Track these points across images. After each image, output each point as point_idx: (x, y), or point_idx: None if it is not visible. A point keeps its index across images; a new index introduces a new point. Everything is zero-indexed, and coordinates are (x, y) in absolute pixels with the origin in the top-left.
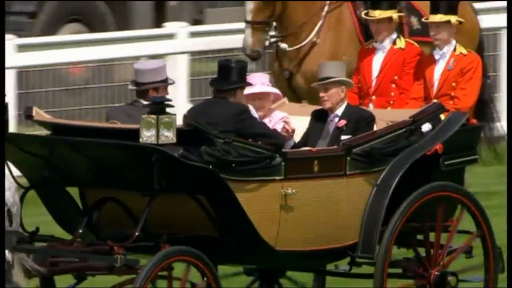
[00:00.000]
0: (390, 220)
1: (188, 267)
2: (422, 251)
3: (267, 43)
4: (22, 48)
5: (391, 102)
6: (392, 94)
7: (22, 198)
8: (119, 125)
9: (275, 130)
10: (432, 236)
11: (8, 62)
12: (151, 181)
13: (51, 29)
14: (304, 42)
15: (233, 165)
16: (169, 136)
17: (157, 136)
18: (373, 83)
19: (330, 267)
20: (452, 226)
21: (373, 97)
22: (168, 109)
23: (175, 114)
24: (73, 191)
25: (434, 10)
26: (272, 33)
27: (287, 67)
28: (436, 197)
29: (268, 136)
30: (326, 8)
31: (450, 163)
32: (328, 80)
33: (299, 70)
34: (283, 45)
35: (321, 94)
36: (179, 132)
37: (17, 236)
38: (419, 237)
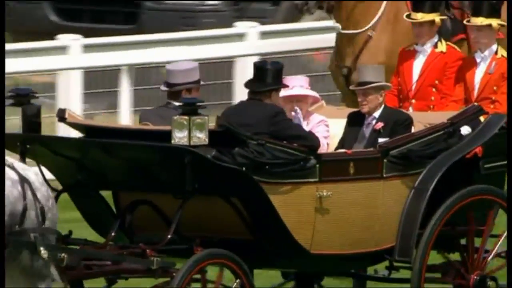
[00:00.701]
0: (427, 223)
1: (221, 270)
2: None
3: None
4: (265, 35)
5: (431, 106)
6: (433, 98)
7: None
8: (151, 126)
9: (310, 132)
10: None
11: (250, 49)
12: (183, 183)
13: (294, 16)
14: (359, 30)
15: (267, 167)
16: (201, 137)
17: (189, 137)
18: (413, 87)
19: (370, 270)
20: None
21: (413, 101)
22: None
23: (207, 115)
24: (107, 194)
25: (476, 12)
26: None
27: (345, 63)
28: (474, 201)
29: (303, 138)
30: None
31: (490, 166)
32: (367, 86)
33: (356, 66)
34: (337, 25)
35: (360, 99)
36: (212, 133)
37: (53, 235)
38: (462, 241)
